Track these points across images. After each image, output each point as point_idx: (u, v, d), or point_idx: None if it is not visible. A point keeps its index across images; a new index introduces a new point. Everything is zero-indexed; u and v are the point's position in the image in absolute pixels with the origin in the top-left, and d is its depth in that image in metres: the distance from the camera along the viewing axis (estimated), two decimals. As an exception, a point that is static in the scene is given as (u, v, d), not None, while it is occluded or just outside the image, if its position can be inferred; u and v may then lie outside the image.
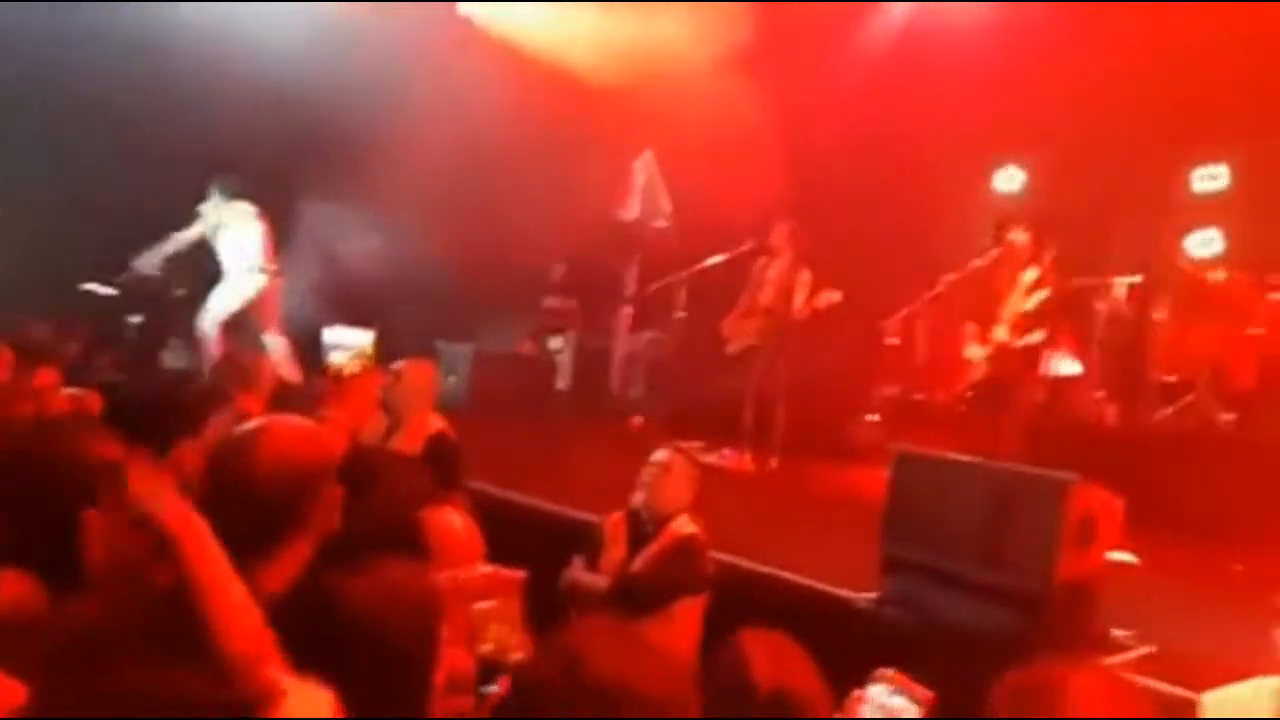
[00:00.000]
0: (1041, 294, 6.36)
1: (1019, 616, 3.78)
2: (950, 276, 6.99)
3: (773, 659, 1.78)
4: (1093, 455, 6.41)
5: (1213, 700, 2.95)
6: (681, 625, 4.00)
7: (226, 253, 7.78)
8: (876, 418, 7.89)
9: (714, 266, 7.97)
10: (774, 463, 7.41)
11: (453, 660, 1.72)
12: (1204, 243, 8.31)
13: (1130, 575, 5.09)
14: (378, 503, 2.12)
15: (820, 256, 7.49)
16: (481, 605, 2.01)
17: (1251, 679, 2.88)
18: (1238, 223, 8.20)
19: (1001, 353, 6.52)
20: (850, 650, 3.70)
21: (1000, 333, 6.52)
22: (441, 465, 4.76)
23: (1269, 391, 7.17)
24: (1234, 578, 5.44)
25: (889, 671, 1.99)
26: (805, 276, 7.33)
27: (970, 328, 6.70)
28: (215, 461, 1.77)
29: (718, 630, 3.97)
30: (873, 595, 4.20)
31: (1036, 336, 6.53)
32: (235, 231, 7.73)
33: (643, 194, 9.06)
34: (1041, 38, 8.23)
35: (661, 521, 4.17)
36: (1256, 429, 6.99)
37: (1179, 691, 3.42)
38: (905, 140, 8.76)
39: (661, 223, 8.88)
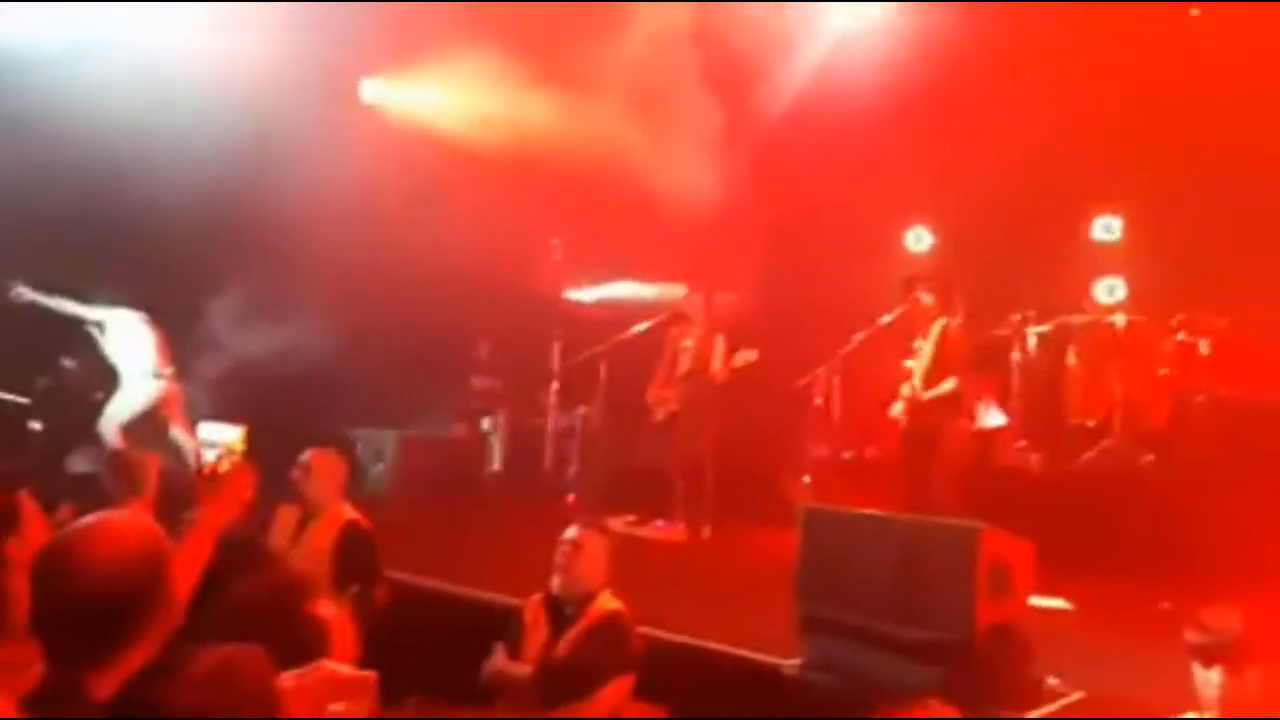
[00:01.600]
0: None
1: (944, 670, 3.72)
2: (860, 335, 7.10)
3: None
4: (1021, 503, 6.51)
5: None
6: (610, 706, 3.87)
7: (118, 357, 7.70)
8: (808, 479, 7.89)
9: (635, 336, 8.00)
10: (706, 531, 7.35)
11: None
12: (1108, 290, 8.60)
13: (1062, 621, 5.09)
14: (242, 599, 2.02)
15: (736, 320, 7.57)
16: (333, 707, 1.88)
17: (1181, 716, 2.87)
18: (1137, 269, 8.51)
19: (915, 406, 6.59)
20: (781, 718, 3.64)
21: (909, 387, 6.60)
22: (355, 555, 4.64)
23: (1182, 430, 7.34)
24: (1162, 616, 5.46)
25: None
26: (720, 341, 7.42)
27: (890, 388, 6.78)
28: (39, 568, 1.65)
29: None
30: (796, 662, 4.12)
31: (948, 385, 6.62)
32: (123, 337, 7.66)
33: (560, 269, 9.10)
34: (945, 100, 8.55)
35: (582, 601, 4.06)
36: (1174, 467, 7.12)
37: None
38: (817, 203, 8.96)
39: (581, 297, 8.93)
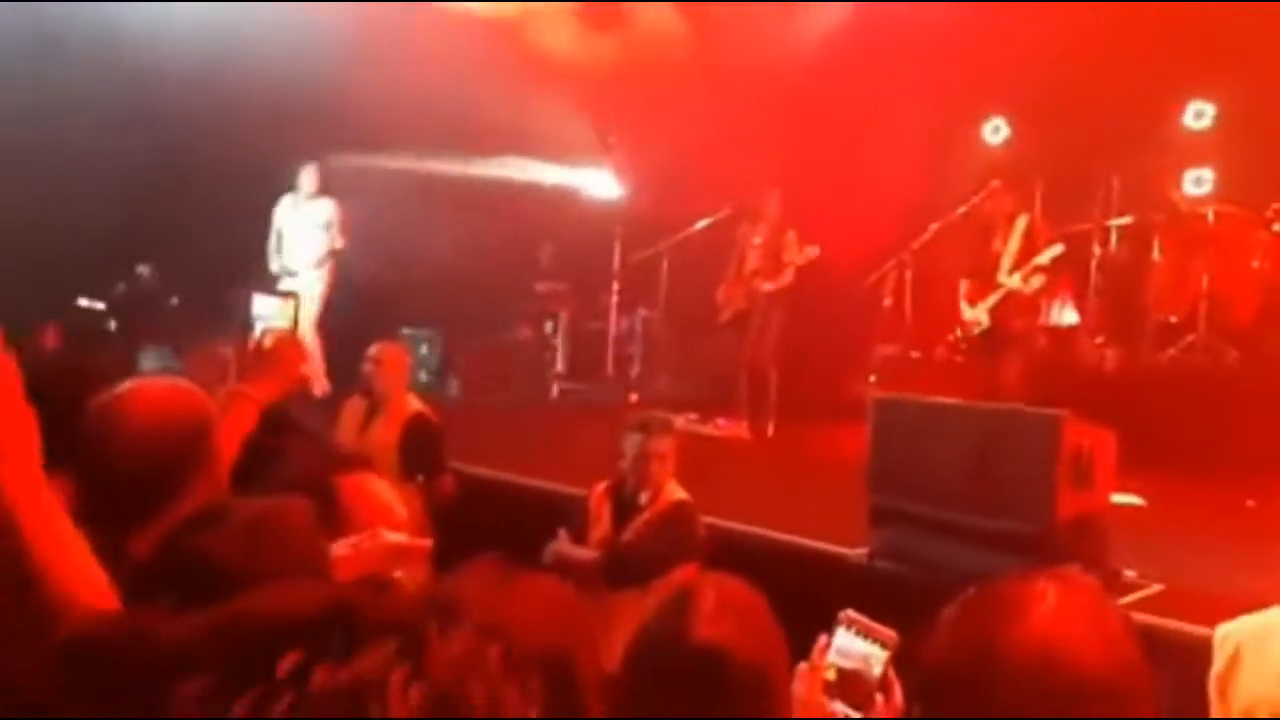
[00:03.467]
0: (1055, 249, 6.21)
1: (1020, 560, 3.63)
2: (935, 225, 6.85)
3: (719, 611, 1.63)
4: (1095, 400, 6.27)
5: (1226, 631, 2.82)
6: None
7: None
8: (874, 378, 7.75)
9: (694, 234, 7.85)
10: (770, 429, 7.30)
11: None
12: (1196, 181, 8.16)
13: (1139, 517, 4.97)
14: (282, 471, 2.00)
15: (806, 217, 7.36)
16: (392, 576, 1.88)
17: (1269, 608, 2.75)
18: (1228, 159, 8.03)
19: (1008, 300, 6.35)
20: (844, 607, 3.61)
21: (1010, 280, 6.34)
22: (421, 446, 4.69)
23: (1272, 325, 7.03)
24: (1247, 513, 5.31)
25: (852, 614, 1.86)
26: (792, 238, 7.24)
27: (965, 284, 6.55)
28: (83, 429, 1.64)
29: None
30: (865, 550, 4.08)
31: (1037, 282, 6.38)
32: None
33: (620, 170, 8.92)
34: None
35: (649, 490, 4.05)
36: (1261, 364, 6.84)
37: (1189, 627, 3.29)
38: (887, 97, 8.58)
39: (641, 196, 8.76)
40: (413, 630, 1.14)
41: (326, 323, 7.88)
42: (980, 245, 6.48)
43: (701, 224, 7.91)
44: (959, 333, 6.65)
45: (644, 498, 4.03)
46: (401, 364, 4.91)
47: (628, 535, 3.99)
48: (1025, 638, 1.43)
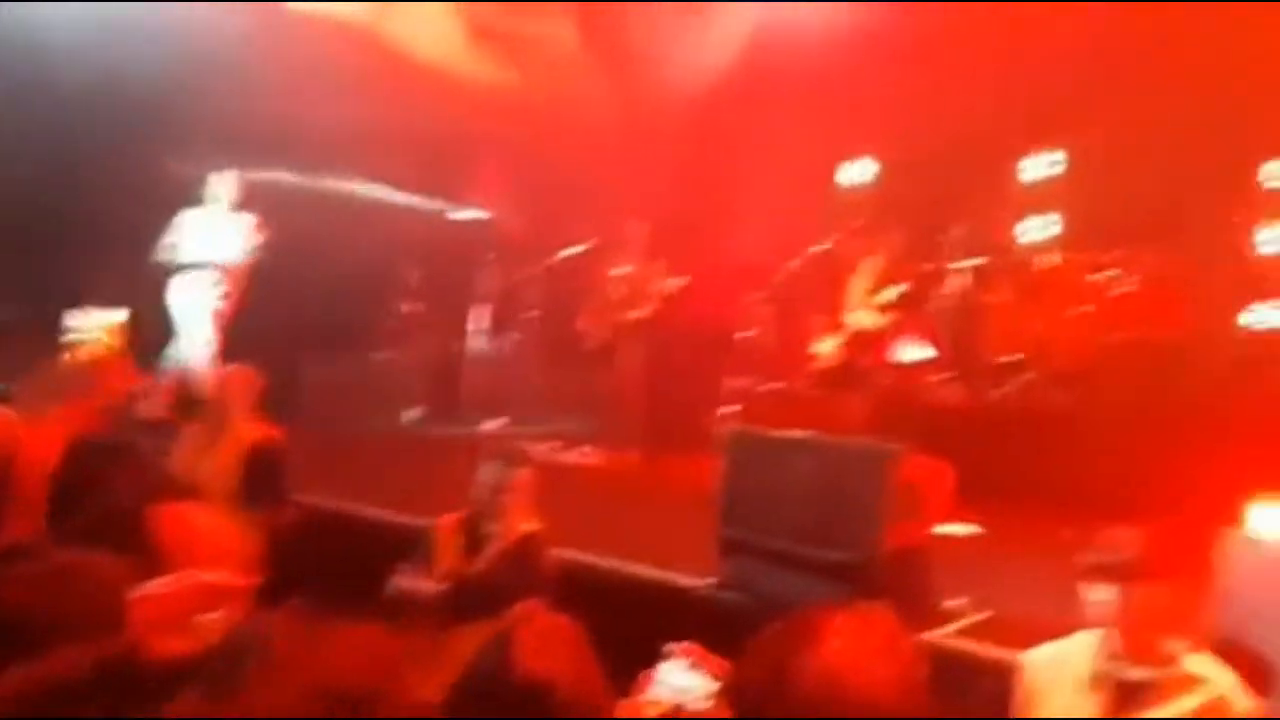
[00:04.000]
0: (900, 287, 6.51)
1: (848, 590, 3.79)
2: (794, 263, 7.11)
3: (540, 646, 1.66)
4: (938, 434, 6.62)
5: (1033, 658, 3.02)
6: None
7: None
8: (735, 408, 7.94)
9: (563, 261, 7.91)
10: (633, 457, 7.38)
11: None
12: (1041, 226, 8.70)
13: (974, 546, 5.23)
14: (97, 500, 1.93)
15: (675, 249, 7.52)
16: (207, 618, 1.78)
17: (1075, 634, 2.95)
18: (1065, 208, 8.61)
19: (858, 338, 6.62)
20: (689, 638, 3.68)
21: (859, 317, 6.62)
22: (262, 473, 4.55)
23: (1098, 367, 7.55)
24: (1063, 543, 5.64)
25: (683, 646, 1.90)
26: (658, 269, 7.39)
27: (819, 321, 6.80)
28: None
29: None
30: (711, 581, 4.18)
31: (884, 320, 6.67)
32: None
33: (491, 194, 8.92)
34: (890, 40, 8.48)
35: (501, 522, 4.04)
36: (1087, 404, 7.33)
37: (1006, 654, 3.49)
38: (756, 135, 8.87)
39: (512, 220, 8.77)
40: (216, 677, 1.13)
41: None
42: (834, 283, 6.75)
43: (570, 251, 7.98)
44: (815, 366, 6.90)
45: (495, 530, 4.02)
46: (245, 388, 4.76)
47: (475, 567, 3.97)
48: (815, 669, 1.51)
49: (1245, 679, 2.93)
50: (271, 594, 2.01)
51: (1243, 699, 2.71)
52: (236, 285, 7.44)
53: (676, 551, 4.69)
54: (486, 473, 4.06)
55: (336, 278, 8.31)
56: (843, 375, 6.63)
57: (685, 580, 4.33)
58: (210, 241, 7.36)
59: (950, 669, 3.55)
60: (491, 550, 4.03)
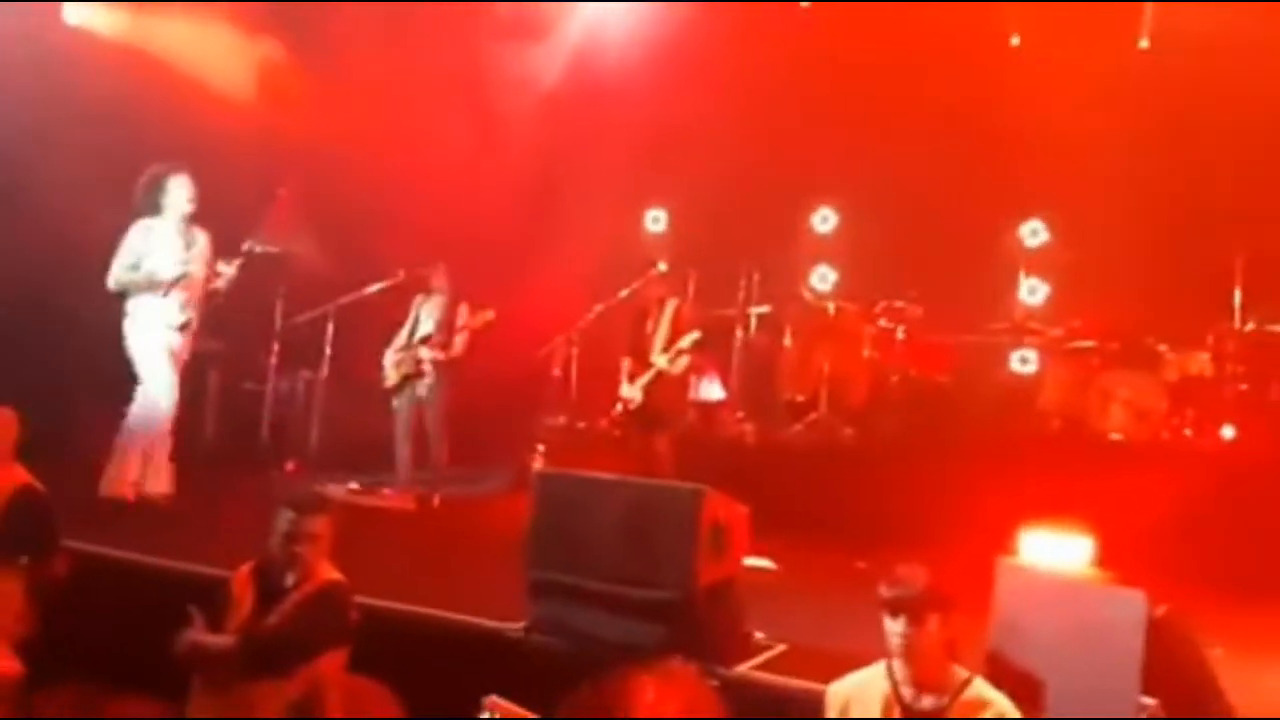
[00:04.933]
0: (694, 335, 6.72)
1: (663, 628, 3.86)
2: (599, 307, 7.23)
3: (347, 711, 1.60)
4: (735, 470, 6.89)
5: (835, 689, 3.17)
6: (322, 680, 3.67)
7: None
8: (542, 448, 7.94)
9: (364, 298, 7.67)
10: (436, 500, 7.20)
11: None
12: (821, 277, 9.33)
13: (769, 581, 5.45)
14: None
15: (482, 289, 7.46)
16: None
17: (873, 665, 3.13)
18: (847, 259, 9.28)
19: (660, 379, 6.78)
20: (502, 682, 3.61)
21: (660, 360, 6.79)
22: (27, 522, 4.13)
23: (879, 406, 8.12)
24: (857, 574, 5.99)
25: (496, 700, 1.89)
26: (463, 310, 7.31)
27: (625, 363, 6.92)
28: None
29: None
30: (521, 625, 4.14)
31: (683, 363, 6.88)
32: None
33: (283, 227, 8.52)
34: (681, 82, 8.86)
35: (297, 571, 3.83)
36: (871, 440, 7.86)
37: (809, 685, 3.65)
38: (561, 182, 9.01)
39: (305, 252, 8.40)
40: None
41: None
42: (637, 326, 6.90)
43: (374, 288, 7.74)
44: (619, 408, 7.01)
45: (291, 579, 3.81)
46: (6, 431, 4.30)
47: (270, 620, 3.75)
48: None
49: (1017, 698, 3.21)
50: (47, 651, 1.83)
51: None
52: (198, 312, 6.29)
53: (485, 595, 4.61)
54: (282, 520, 3.85)
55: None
56: (647, 416, 6.77)
57: (494, 624, 4.26)
58: (171, 259, 6.11)
59: (759, 702, 3.67)
60: (288, 602, 3.81)
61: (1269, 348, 7.07)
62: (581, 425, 7.91)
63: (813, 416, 8.08)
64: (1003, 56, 8.62)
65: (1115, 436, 7.21)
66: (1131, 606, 3.27)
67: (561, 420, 8.01)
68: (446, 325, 7.29)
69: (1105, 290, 7.87)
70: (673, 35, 8.88)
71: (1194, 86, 7.61)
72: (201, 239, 6.26)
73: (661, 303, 6.88)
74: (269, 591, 3.81)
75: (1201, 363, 7.13)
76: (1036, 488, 5.96)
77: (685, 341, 6.69)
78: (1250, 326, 7.18)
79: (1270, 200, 7.28)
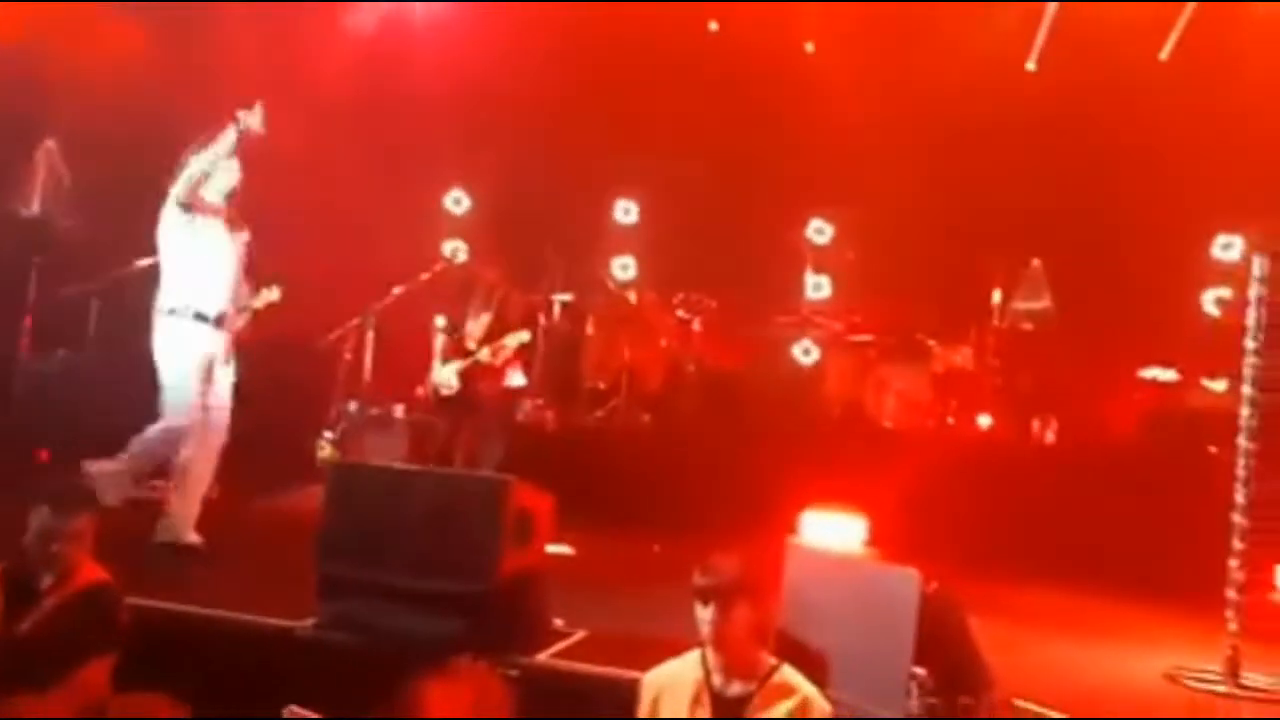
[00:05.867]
0: (522, 335, 6.65)
1: (464, 620, 3.80)
2: (397, 289, 7.01)
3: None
4: (537, 457, 6.89)
5: (650, 678, 3.21)
6: (86, 689, 3.38)
7: None
8: (334, 435, 7.60)
9: (135, 272, 7.06)
10: (215, 491, 6.74)
11: None
12: (623, 267, 9.47)
13: (568, 567, 5.48)
14: None
15: (263, 268, 7.03)
16: None
17: (687, 652, 3.19)
18: (648, 251, 9.46)
19: (476, 368, 6.66)
20: (291, 684, 3.44)
21: (481, 353, 6.66)
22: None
23: (676, 394, 8.34)
24: (655, 559, 6.13)
25: (296, 710, 1.81)
26: (245, 290, 6.85)
27: (439, 345, 6.75)
28: None
29: (137, 686, 3.45)
30: (311, 622, 3.96)
31: (504, 356, 6.82)
32: None
33: (43, 188, 7.70)
34: (493, 80, 8.71)
35: (55, 573, 3.49)
36: (668, 427, 8.06)
37: (606, 670, 3.70)
38: (360, 156, 8.65)
39: (68, 221, 7.61)
40: None
41: None
42: (456, 311, 6.75)
43: (145, 262, 7.12)
44: (432, 391, 6.83)
45: (48, 581, 3.47)
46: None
47: (23, 628, 3.40)
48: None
49: (807, 673, 3.38)
50: None
51: (823, 703, 3.12)
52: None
53: (272, 593, 4.38)
54: (38, 517, 3.50)
55: None
56: (459, 403, 6.63)
57: (282, 623, 4.05)
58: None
59: (558, 689, 3.69)
60: (45, 606, 3.48)
61: (1020, 344, 7.80)
62: (375, 412, 7.64)
63: (613, 404, 8.19)
64: (798, 62, 9.01)
65: (888, 424, 7.75)
66: (907, 583, 3.52)
67: (353, 406, 7.69)
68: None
69: (883, 288, 8.43)
70: (483, 15, 8.72)
71: (972, 101, 8.24)
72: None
73: (488, 291, 6.76)
74: (21, 595, 3.46)
75: (964, 356, 7.76)
76: (818, 473, 6.31)
77: (513, 341, 6.63)
78: (1005, 324, 7.90)
79: (1030, 211, 8.05)
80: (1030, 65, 8.54)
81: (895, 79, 8.69)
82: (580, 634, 4.20)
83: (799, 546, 4.16)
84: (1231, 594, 4.20)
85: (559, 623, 4.26)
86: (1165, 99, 7.90)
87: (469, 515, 3.92)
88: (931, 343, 7.87)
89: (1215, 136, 7.69)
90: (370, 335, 7.27)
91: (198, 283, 5.45)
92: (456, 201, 9.67)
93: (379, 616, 3.92)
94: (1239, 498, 4.21)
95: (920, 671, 3.49)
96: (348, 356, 7.53)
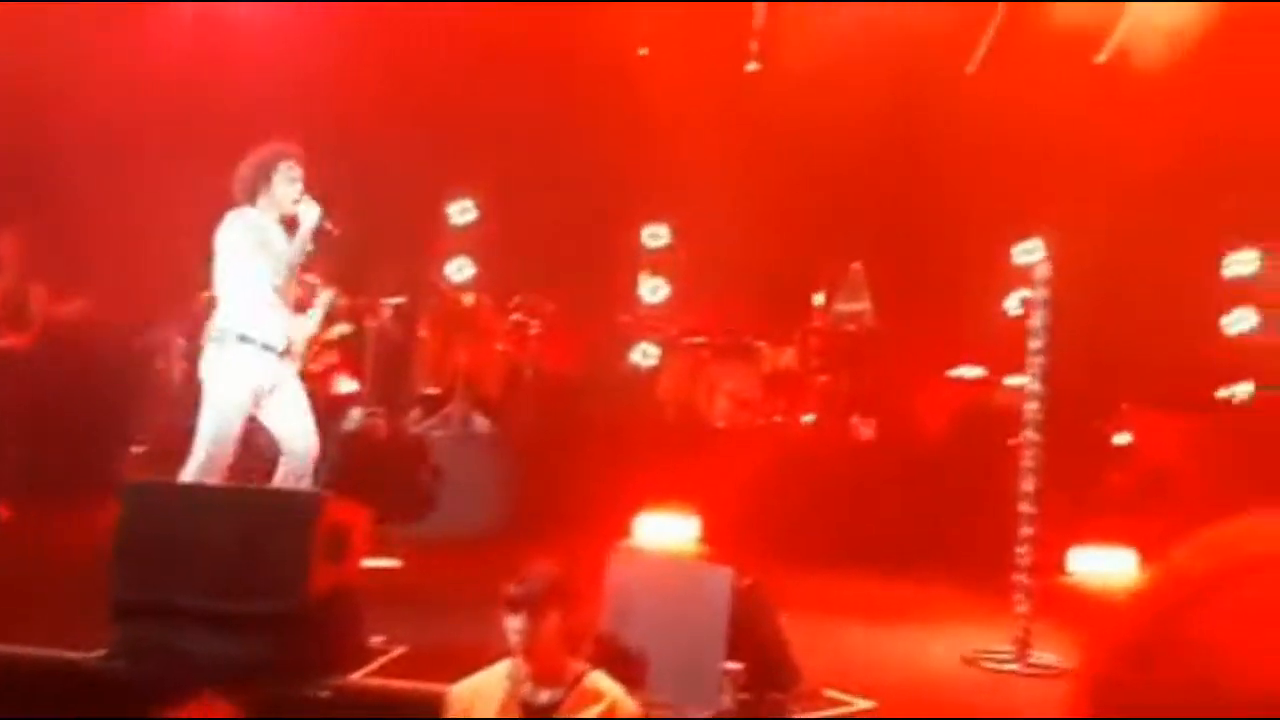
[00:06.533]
0: (344, 328, 6.41)
1: (273, 642, 3.66)
2: (208, 293, 6.66)
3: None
4: (367, 466, 6.72)
5: (458, 691, 3.18)
6: None
7: None
8: (142, 449, 7.15)
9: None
10: (4, 511, 6.25)
11: None
12: (459, 269, 9.32)
13: (393, 580, 5.35)
14: None
15: (61, 268, 6.57)
16: None
17: (497, 664, 3.17)
18: (485, 253, 9.35)
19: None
20: (81, 715, 3.23)
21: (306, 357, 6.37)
22: None
23: (514, 399, 8.28)
24: (485, 568, 6.03)
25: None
26: (39, 291, 6.39)
27: None
28: None
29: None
30: (102, 652, 3.72)
31: (329, 359, 6.57)
32: None
33: None
34: (322, 73, 8.40)
35: None
36: (507, 432, 7.99)
37: (422, 686, 3.63)
38: (178, 148, 8.18)
39: None
40: None
41: None
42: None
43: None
44: None
45: None
46: None
47: None
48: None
49: (623, 674, 3.43)
50: None
51: (630, 705, 3.16)
52: None
53: (60, 623, 4.08)
54: None
55: None
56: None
57: (68, 655, 3.78)
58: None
59: (371, 709, 3.60)
60: None
61: (842, 344, 8.14)
62: (190, 424, 7.22)
63: (447, 409, 8.05)
64: (632, 64, 9.10)
65: (721, 424, 7.93)
66: (719, 580, 3.62)
67: (162, 419, 7.25)
68: (17, 305, 6.32)
69: (716, 290, 8.63)
70: (314, 14, 8.40)
71: (799, 109, 8.53)
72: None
73: (311, 290, 6.49)
74: None
75: (790, 357, 8.04)
76: (654, 474, 6.41)
77: (333, 334, 6.40)
78: (827, 325, 8.23)
79: (852, 215, 8.41)
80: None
81: (728, 84, 8.91)
82: (399, 650, 4.10)
83: (623, 551, 4.21)
84: (1020, 578, 4.49)
85: (379, 639, 4.16)
86: (975, 110, 8.40)
87: (277, 532, 3.77)
88: (760, 344, 8.11)
89: (1019, 146, 8.24)
90: (181, 342, 6.89)
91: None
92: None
93: (179, 642, 3.72)
94: (1026, 487, 4.52)
95: (735, 667, 3.59)
96: (159, 365, 7.11)
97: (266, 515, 3.82)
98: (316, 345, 6.40)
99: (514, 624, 3.02)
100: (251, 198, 5.01)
